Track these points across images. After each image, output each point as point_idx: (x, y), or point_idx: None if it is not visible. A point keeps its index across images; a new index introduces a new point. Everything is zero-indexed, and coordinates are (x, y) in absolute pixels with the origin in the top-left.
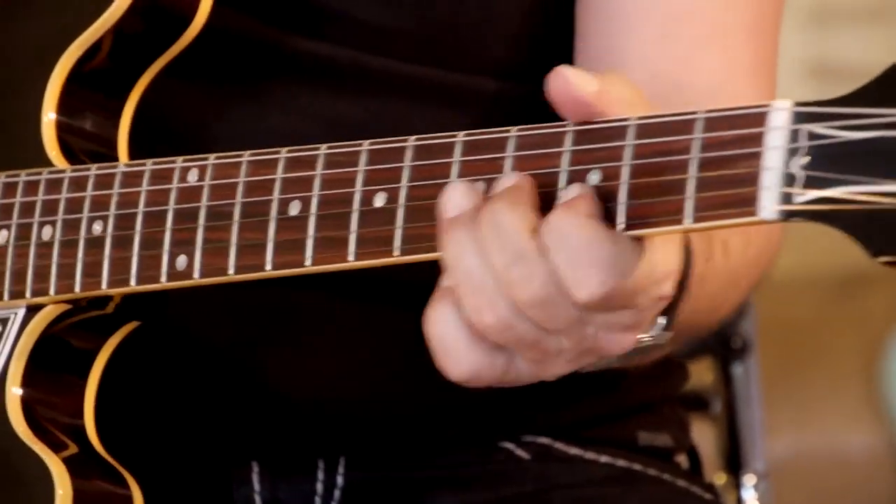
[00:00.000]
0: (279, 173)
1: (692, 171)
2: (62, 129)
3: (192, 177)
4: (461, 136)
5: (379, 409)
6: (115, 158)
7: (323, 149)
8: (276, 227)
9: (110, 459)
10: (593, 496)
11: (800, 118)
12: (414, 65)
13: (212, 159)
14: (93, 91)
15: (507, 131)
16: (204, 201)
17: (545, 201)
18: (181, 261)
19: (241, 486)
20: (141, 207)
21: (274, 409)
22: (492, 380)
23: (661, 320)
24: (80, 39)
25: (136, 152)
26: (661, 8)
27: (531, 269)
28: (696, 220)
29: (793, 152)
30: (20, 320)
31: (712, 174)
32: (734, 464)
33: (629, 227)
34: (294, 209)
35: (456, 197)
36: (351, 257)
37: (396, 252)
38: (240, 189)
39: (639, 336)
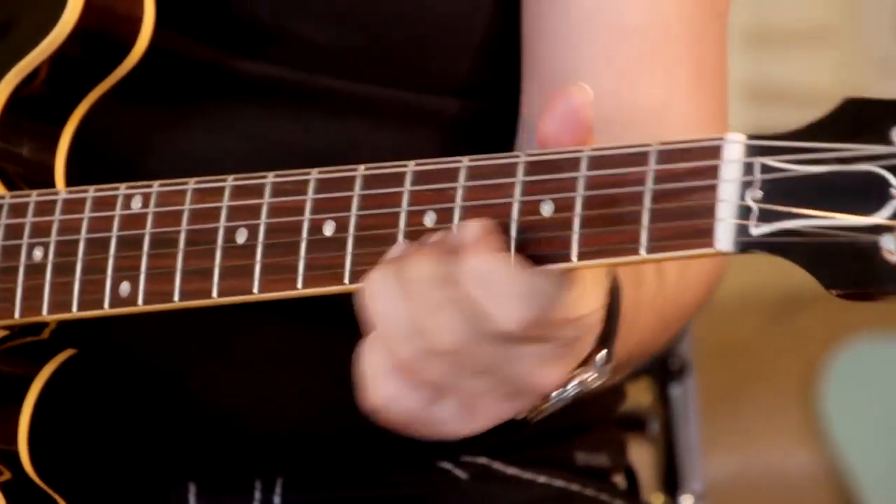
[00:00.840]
0: (225, 201)
1: (647, 203)
2: (0, 157)
3: (136, 204)
4: (412, 166)
5: (316, 430)
6: (53, 185)
7: (270, 177)
8: (222, 255)
9: (44, 486)
10: None
11: (753, 151)
12: (364, 84)
13: (156, 186)
14: (31, 118)
15: (459, 161)
16: (148, 228)
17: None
18: (124, 287)
19: None
20: (83, 234)
21: (210, 429)
22: (406, 416)
23: (601, 355)
24: (19, 66)
25: (73, 177)
26: (604, 27)
27: (445, 316)
28: (652, 250)
29: (747, 185)
30: None
31: (667, 206)
32: (671, 484)
33: (582, 257)
34: (241, 237)
35: (394, 249)
36: (300, 285)
37: (346, 280)
38: (185, 216)
39: (582, 375)
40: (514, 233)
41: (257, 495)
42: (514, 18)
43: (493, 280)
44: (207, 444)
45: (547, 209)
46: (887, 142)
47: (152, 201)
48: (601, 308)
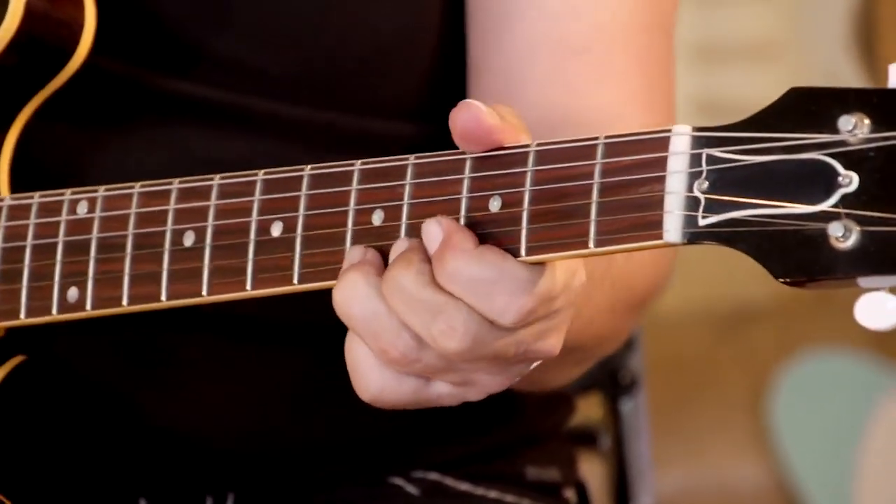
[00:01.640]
0: (172, 204)
1: (595, 196)
2: None
3: (82, 209)
4: (358, 164)
5: (265, 445)
6: None
7: (217, 179)
8: (170, 258)
9: None
10: None
11: (699, 143)
12: (310, 108)
13: (101, 191)
14: None
15: (406, 159)
16: (95, 233)
17: None
18: (72, 293)
19: None
20: (29, 240)
21: (159, 444)
22: (403, 402)
23: None
24: None
25: (15, 190)
26: (553, 43)
27: (448, 320)
28: (600, 243)
29: (694, 176)
30: None
31: (615, 199)
32: (622, 499)
33: (531, 251)
34: (188, 240)
35: (353, 252)
36: (248, 286)
37: (295, 280)
38: (132, 220)
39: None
40: (525, 223)
41: None
42: (460, 39)
43: (481, 279)
44: (157, 460)
45: (495, 205)
46: (833, 130)
47: (98, 206)
48: (580, 267)
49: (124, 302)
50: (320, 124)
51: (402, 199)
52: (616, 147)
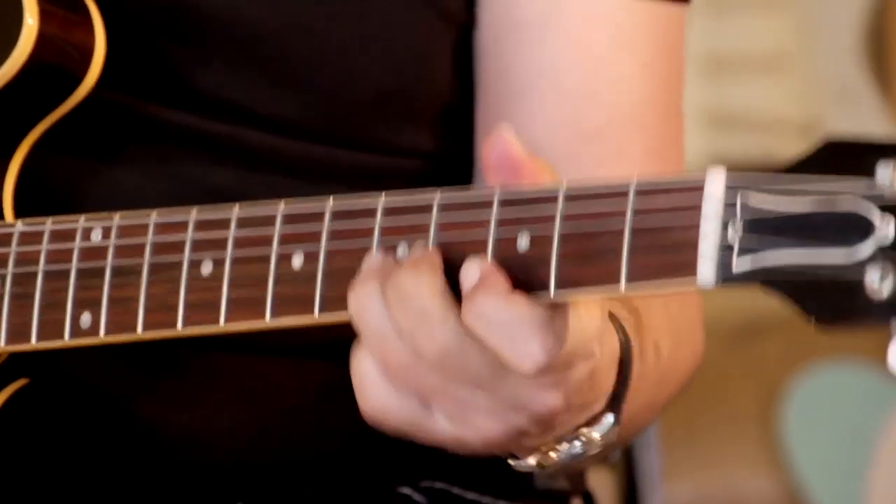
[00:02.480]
0: (189, 233)
1: (626, 236)
2: None
3: (96, 236)
4: (383, 199)
5: (275, 456)
6: (2, 217)
7: (236, 210)
8: (187, 287)
9: None
10: None
11: (735, 187)
12: (300, 142)
13: (117, 219)
14: None
15: (433, 192)
16: (109, 260)
17: None
18: (85, 319)
19: None
20: (41, 266)
21: (165, 457)
22: (402, 421)
23: (609, 417)
24: None
25: (19, 216)
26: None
27: (462, 351)
28: (631, 284)
29: (728, 221)
30: None
31: (647, 239)
32: None
33: (560, 288)
34: (206, 269)
35: (370, 260)
36: (268, 318)
37: (316, 313)
38: (148, 248)
39: (590, 434)
40: (553, 262)
41: None
42: (468, 82)
43: (505, 323)
44: (167, 471)
45: (524, 242)
46: (870, 180)
47: (113, 233)
48: (615, 351)
49: (139, 329)
50: (318, 157)
51: (427, 232)
52: (648, 190)
